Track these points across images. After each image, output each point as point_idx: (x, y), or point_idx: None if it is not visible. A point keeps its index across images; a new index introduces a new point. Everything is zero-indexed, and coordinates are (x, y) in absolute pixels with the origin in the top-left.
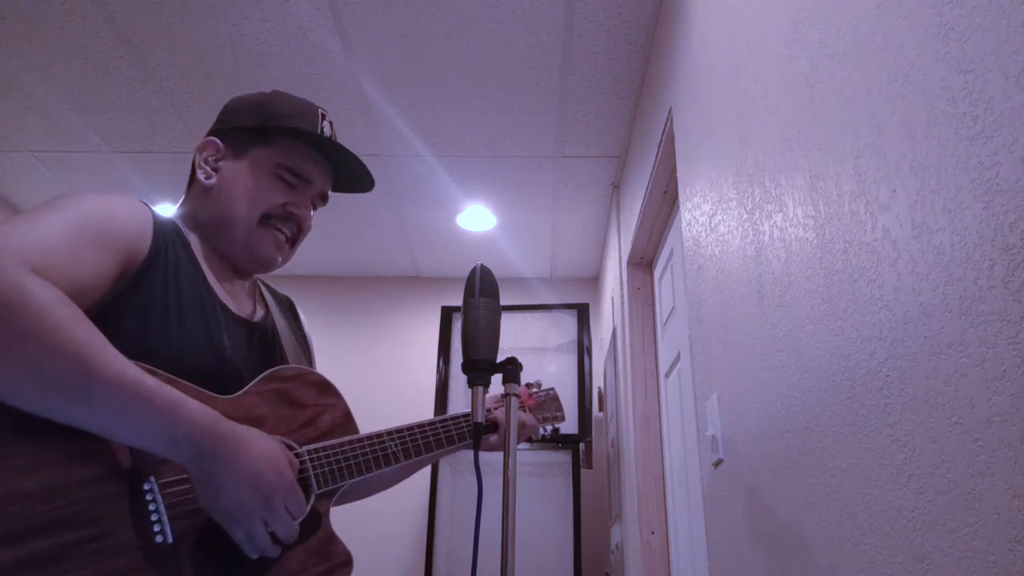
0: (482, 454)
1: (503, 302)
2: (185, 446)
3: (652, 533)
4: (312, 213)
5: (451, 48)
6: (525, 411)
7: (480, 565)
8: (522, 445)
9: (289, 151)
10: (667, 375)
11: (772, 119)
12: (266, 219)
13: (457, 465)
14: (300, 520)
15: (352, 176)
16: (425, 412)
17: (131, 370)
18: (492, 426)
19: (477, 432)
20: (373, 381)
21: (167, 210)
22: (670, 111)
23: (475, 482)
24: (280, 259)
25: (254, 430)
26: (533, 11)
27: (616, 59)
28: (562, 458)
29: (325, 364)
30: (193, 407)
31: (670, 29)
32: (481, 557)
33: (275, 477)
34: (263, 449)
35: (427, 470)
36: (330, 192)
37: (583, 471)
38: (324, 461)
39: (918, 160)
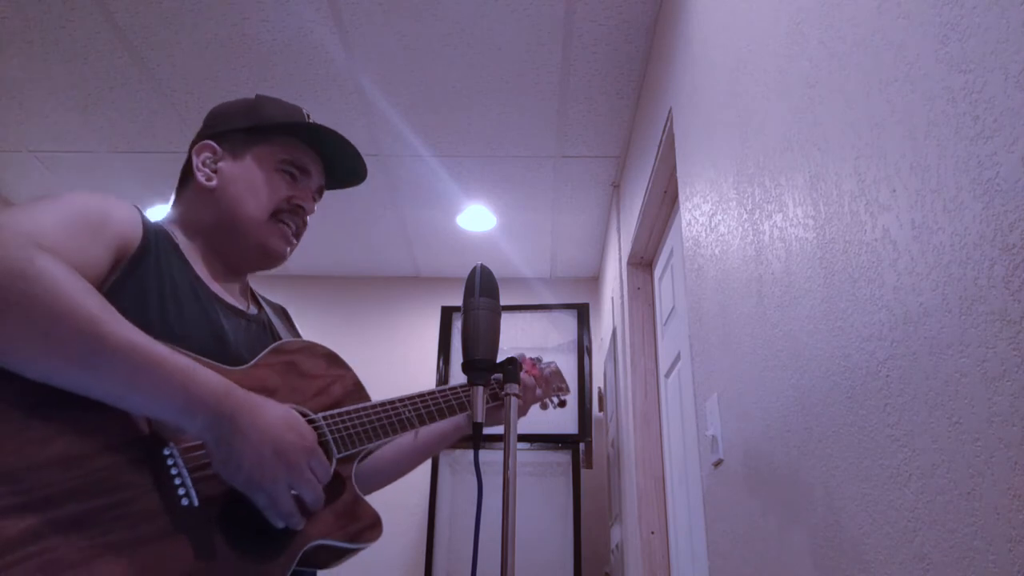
0: (482, 453)
1: (503, 302)
2: (200, 412)
3: (652, 533)
4: (314, 207)
5: (451, 48)
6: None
7: (480, 565)
8: (522, 445)
9: (288, 147)
10: (667, 375)
11: (772, 119)
12: (275, 215)
13: (457, 465)
14: (325, 484)
15: (344, 168)
16: None
17: (142, 336)
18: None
19: (477, 432)
20: (373, 381)
21: (160, 213)
22: (670, 111)
23: (475, 482)
24: (289, 251)
25: (266, 398)
26: (533, 11)
27: (616, 59)
28: (562, 458)
29: None
30: (207, 373)
31: (670, 29)
32: (481, 557)
33: (296, 438)
34: (280, 412)
35: (427, 469)
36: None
37: (583, 471)
38: (342, 426)
39: (918, 160)
